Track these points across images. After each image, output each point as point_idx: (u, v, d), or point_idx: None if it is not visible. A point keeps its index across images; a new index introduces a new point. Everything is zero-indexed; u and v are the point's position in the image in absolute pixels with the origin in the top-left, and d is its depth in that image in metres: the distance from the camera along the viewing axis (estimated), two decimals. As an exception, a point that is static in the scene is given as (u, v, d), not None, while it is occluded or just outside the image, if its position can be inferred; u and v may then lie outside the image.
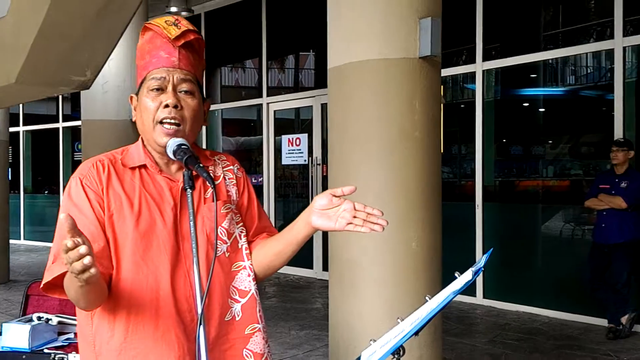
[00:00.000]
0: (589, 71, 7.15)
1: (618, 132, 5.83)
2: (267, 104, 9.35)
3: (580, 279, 5.84)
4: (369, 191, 3.18)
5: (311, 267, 8.66)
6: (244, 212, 1.74)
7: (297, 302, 7.13)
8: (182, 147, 1.54)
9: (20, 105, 12.82)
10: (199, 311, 1.43)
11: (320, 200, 1.55)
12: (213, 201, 1.54)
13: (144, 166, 1.61)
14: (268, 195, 9.29)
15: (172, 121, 1.56)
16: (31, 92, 4.81)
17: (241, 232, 1.70)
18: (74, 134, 12.62)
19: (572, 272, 6.25)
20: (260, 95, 9.46)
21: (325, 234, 7.87)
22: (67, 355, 2.83)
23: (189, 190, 1.51)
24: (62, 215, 1.26)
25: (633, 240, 5.42)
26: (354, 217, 1.51)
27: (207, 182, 1.55)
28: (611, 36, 5.98)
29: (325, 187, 7.92)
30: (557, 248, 6.81)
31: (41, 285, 1.52)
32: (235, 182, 1.73)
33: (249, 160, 10.27)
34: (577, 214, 6.66)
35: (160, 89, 1.58)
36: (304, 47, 9.68)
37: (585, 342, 5.41)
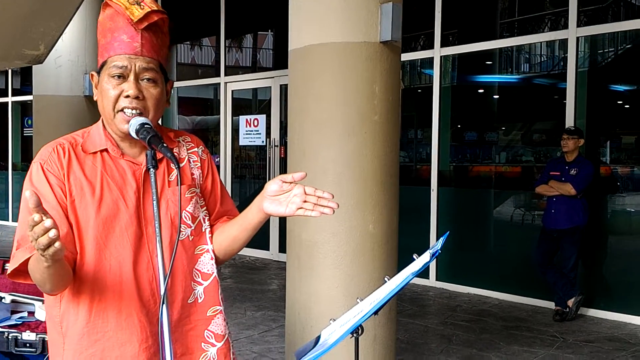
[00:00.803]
0: (543, 59, 7.31)
1: (569, 121, 6.00)
2: (225, 83, 9.26)
3: (529, 263, 6.01)
4: (328, 173, 3.21)
5: (268, 249, 8.69)
6: (207, 195, 1.74)
7: (253, 283, 7.15)
8: (145, 126, 1.52)
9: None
10: (162, 292, 1.44)
11: (271, 186, 1.55)
12: (177, 184, 1.54)
13: (106, 150, 1.59)
14: (225, 176, 9.23)
15: (133, 111, 1.54)
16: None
17: (205, 215, 1.71)
18: (24, 109, 12.27)
19: (522, 256, 6.43)
20: (218, 75, 9.37)
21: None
22: (20, 333, 2.79)
23: (151, 170, 1.48)
24: (27, 193, 1.24)
25: (581, 226, 5.60)
26: (305, 201, 1.52)
27: (171, 165, 1.55)
28: (565, 26, 6.12)
29: (283, 169, 7.94)
30: (508, 232, 6.99)
31: (8, 273, 1.51)
32: (199, 164, 1.73)
33: (206, 140, 10.18)
34: (528, 200, 6.83)
35: (122, 76, 1.54)
36: (263, 26, 9.60)
37: (533, 324, 5.59)
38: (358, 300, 1.49)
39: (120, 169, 1.58)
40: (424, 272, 7.02)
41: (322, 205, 1.52)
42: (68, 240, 1.49)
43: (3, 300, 3.02)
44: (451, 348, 4.91)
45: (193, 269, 1.65)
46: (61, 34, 4.37)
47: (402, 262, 1.54)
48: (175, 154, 1.64)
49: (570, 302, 5.63)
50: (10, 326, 2.93)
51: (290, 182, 1.54)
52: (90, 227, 1.52)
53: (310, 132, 3.27)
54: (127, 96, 1.53)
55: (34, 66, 6.62)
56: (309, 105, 3.27)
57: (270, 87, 8.79)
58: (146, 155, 1.51)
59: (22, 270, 1.47)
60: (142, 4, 1.55)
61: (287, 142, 3.52)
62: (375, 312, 1.35)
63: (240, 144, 9.08)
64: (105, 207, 1.53)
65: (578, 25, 6.02)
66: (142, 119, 1.54)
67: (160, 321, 1.43)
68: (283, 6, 3.46)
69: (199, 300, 1.66)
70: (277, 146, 8.51)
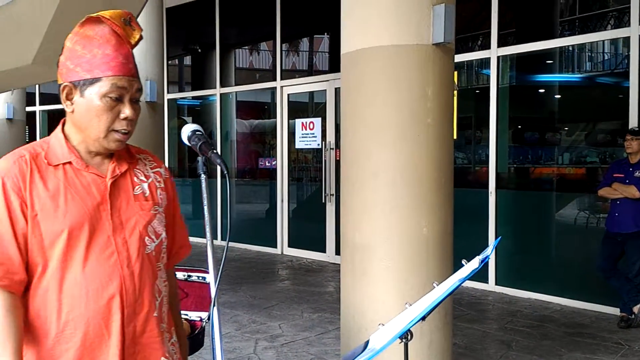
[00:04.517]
0: (605, 58, 7.08)
1: (633, 121, 5.79)
2: (281, 87, 9.35)
3: (593, 268, 5.83)
4: (381, 177, 3.20)
5: (324, 251, 8.72)
6: (169, 220, 1.72)
7: (310, 286, 7.19)
8: (197, 132, 1.56)
9: (37, 86, 12.93)
10: (213, 296, 1.46)
11: None
12: (149, 200, 1.62)
13: (69, 163, 1.57)
14: (281, 179, 9.32)
15: (128, 132, 1.56)
16: (48, 73, 4.86)
17: (165, 238, 1.69)
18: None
19: (585, 260, 6.24)
20: (275, 79, 9.47)
21: (337, 218, 7.90)
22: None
23: (202, 175, 1.52)
24: None
25: (646, 230, 5.40)
26: None
27: (134, 179, 1.61)
28: (628, 23, 5.91)
29: (337, 172, 7.94)
30: (571, 236, 6.79)
31: None
32: (163, 185, 1.71)
33: (263, 143, 10.30)
34: (592, 202, 6.62)
35: (119, 99, 1.54)
36: (319, 30, 9.65)
37: (597, 331, 5.41)
38: (407, 305, 1.49)
39: (84, 181, 1.56)
40: (482, 277, 6.90)
41: None
42: (21, 270, 1.50)
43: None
44: (510, 354, 4.81)
45: (154, 284, 1.64)
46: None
47: (458, 266, 1.53)
48: (139, 172, 1.66)
49: (635, 309, 5.43)
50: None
51: None
52: (56, 241, 1.51)
53: (362, 135, 3.26)
54: (125, 118, 1.54)
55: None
56: (361, 109, 3.27)
57: (325, 90, 8.83)
58: (197, 161, 1.55)
59: None
60: (132, 24, 1.56)
61: (341, 145, 3.53)
62: (423, 318, 1.35)
63: (297, 147, 9.15)
64: (71, 220, 1.51)
65: (642, 22, 5.80)
66: (194, 126, 1.58)
67: (211, 321, 1.46)
68: (338, 9, 3.47)
69: (155, 314, 1.64)
70: (332, 149, 8.54)
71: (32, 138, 13.27)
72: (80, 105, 1.54)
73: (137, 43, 1.59)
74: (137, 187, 1.63)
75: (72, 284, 1.52)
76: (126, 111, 1.53)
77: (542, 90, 7.62)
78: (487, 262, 1.37)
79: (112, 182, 1.57)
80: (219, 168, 1.74)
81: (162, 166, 1.74)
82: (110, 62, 1.52)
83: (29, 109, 12.21)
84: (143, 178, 1.64)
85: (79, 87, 1.53)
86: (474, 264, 1.36)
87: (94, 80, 1.52)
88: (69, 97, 1.56)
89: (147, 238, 1.61)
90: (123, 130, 1.54)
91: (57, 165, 1.55)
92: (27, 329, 1.54)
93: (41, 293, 1.53)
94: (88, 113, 1.53)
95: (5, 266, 1.48)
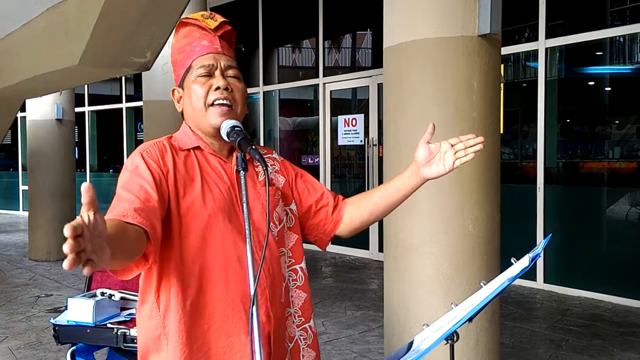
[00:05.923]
0: (659, 48, 6.82)
1: (690, 112, 5.56)
2: (324, 84, 9.32)
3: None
4: (425, 173, 3.13)
5: (367, 248, 8.66)
6: (305, 190, 1.77)
7: (353, 283, 7.15)
8: (236, 128, 1.55)
9: (86, 86, 13.22)
10: (251, 293, 1.44)
11: (421, 154, 1.67)
12: (265, 185, 1.59)
13: (197, 148, 1.63)
14: (324, 176, 9.30)
15: (224, 102, 1.59)
16: (94, 73, 4.94)
17: (287, 216, 1.73)
18: (137, 114, 12.92)
19: (637, 257, 6.04)
20: (317, 76, 9.44)
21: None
22: (129, 329, 2.91)
23: (241, 172, 1.51)
24: (83, 185, 1.02)
25: None
26: (456, 152, 1.64)
27: (259, 167, 1.61)
28: (685, 11, 5.68)
29: (381, 168, 7.87)
30: (623, 232, 6.57)
31: None
32: (278, 168, 1.77)
33: (306, 140, 10.29)
34: (644, 198, 6.41)
35: (209, 75, 1.61)
36: (361, 26, 9.58)
37: (651, 330, 5.23)
38: (452, 305, 1.44)
39: (214, 167, 1.62)
40: (530, 274, 6.74)
41: (471, 146, 1.64)
42: (155, 214, 1.45)
43: (113, 298, 3.18)
44: (560, 354, 4.68)
45: (280, 269, 1.68)
46: (166, 41, 4.54)
47: (505, 263, 1.47)
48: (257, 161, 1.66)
49: (693, 308, 5.22)
50: (119, 322, 3.07)
51: (430, 142, 1.67)
52: (196, 222, 1.53)
53: (405, 130, 3.20)
54: (217, 88, 1.59)
55: (143, 73, 6.94)
56: (404, 103, 3.20)
57: (368, 86, 8.76)
58: (236, 157, 1.54)
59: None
60: (214, 18, 1.68)
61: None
62: (470, 319, 1.29)
63: (339, 143, 9.11)
64: (209, 202, 1.56)
65: (699, 9, 5.57)
66: (232, 122, 1.57)
67: (250, 321, 1.43)
68: (380, 4, 3.41)
69: (282, 299, 1.67)
70: (375, 145, 8.47)
71: (82, 138, 13.61)
72: (184, 98, 1.66)
73: (223, 29, 1.68)
74: (260, 174, 1.68)
75: (211, 265, 1.54)
76: (217, 81, 1.60)
77: (591, 83, 7.39)
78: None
79: (237, 171, 1.60)
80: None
81: (272, 152, 1.80)
82: (195, 48, 1.65)
83: (78, 109, 12.49)
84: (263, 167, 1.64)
85: (181, 85, 1.67)
86: (524, 262, 1.30)
87: (187, 71, 1.65)
88: (178, 100, 1.69)
89: (271, 224, 1.65)
90: (219, 101, 1.59)
91: (188, 150, 1.63)
92: (159, 321, 1.54)
93: (180, 274, 1.52)
94: (189, 98, 1.63)
95: (151, 221, 1.42)
